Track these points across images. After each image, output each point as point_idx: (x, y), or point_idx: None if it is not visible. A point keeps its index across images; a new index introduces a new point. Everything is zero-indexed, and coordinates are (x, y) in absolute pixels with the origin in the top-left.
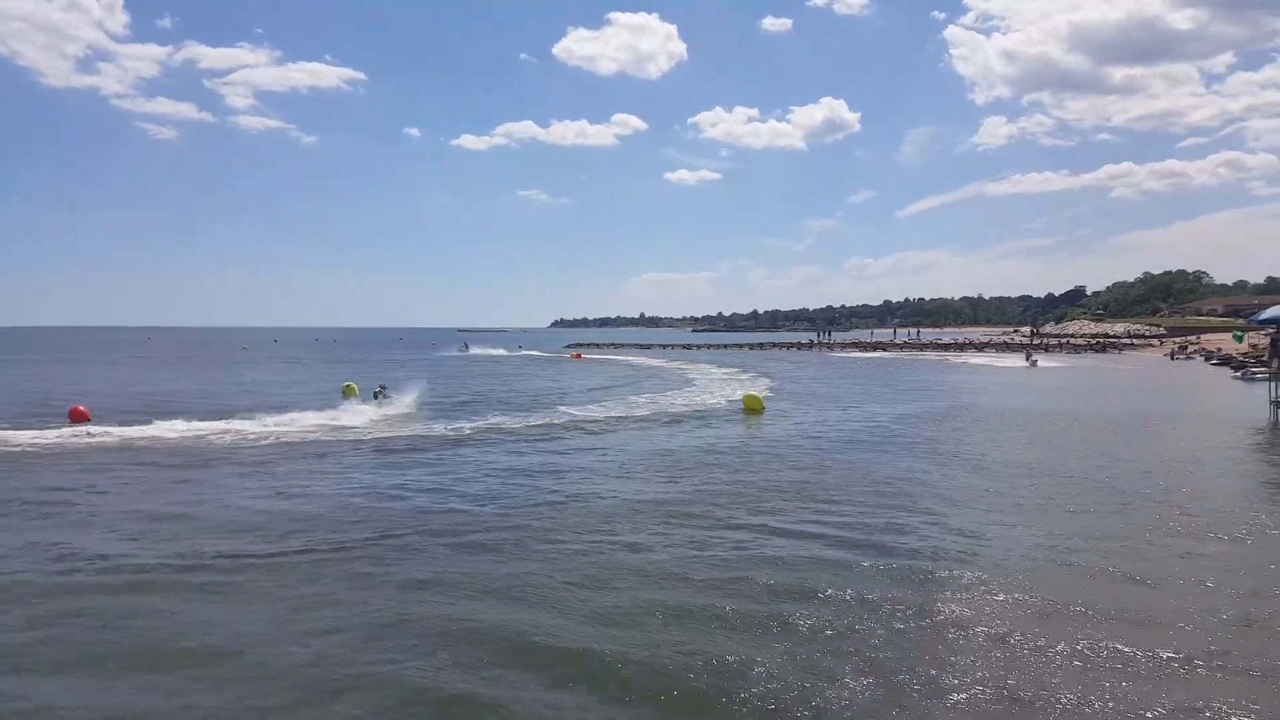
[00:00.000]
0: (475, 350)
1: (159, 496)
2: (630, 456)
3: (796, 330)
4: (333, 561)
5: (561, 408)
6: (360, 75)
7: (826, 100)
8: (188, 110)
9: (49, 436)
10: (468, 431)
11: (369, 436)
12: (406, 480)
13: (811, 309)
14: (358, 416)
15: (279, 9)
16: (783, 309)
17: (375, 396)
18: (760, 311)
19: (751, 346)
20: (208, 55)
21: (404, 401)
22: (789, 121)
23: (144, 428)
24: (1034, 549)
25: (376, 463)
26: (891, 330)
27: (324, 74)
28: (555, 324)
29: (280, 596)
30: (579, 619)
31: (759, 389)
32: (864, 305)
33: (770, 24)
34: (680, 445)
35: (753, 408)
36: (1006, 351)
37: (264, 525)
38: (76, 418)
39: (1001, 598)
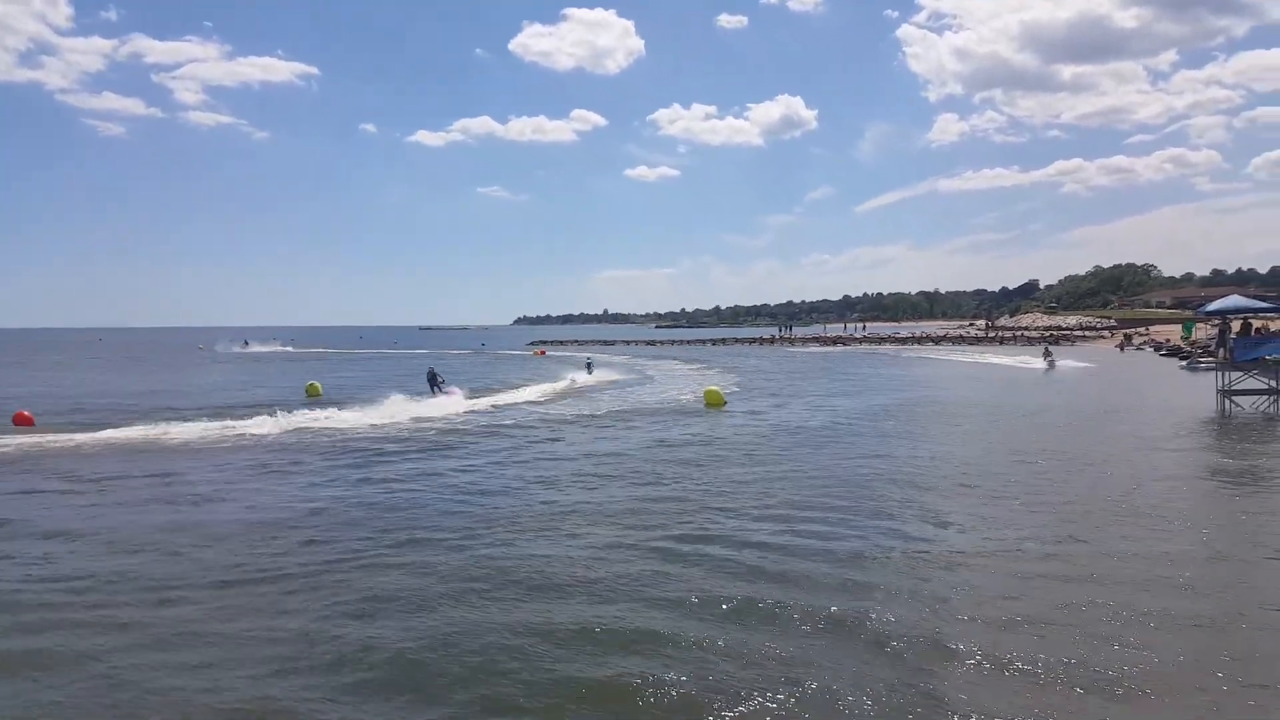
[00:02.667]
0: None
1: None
2: (591, 453)
3: (758, 325)
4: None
5: (525, 403)
6: (313, 70)
7: (783, 98)
8: (135, 106)
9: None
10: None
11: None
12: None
13: (772, 304)
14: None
15: (227, 2)
16: (744, 304)
17: (432, 385)
18: (722, 307)
19: (714, 342)
20: (155, 49)
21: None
22: (747, 119)
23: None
24: (985, 545)
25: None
26: (845, 325)
27: (276, 68)
28: (518, 321)
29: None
30: (519, 633)
31: (722, 384)
32: (824, 300)
33: (726, 21)
34: (641, 441)
35: (715, 403)
36: (983, 346)
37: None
38: (20, 422)
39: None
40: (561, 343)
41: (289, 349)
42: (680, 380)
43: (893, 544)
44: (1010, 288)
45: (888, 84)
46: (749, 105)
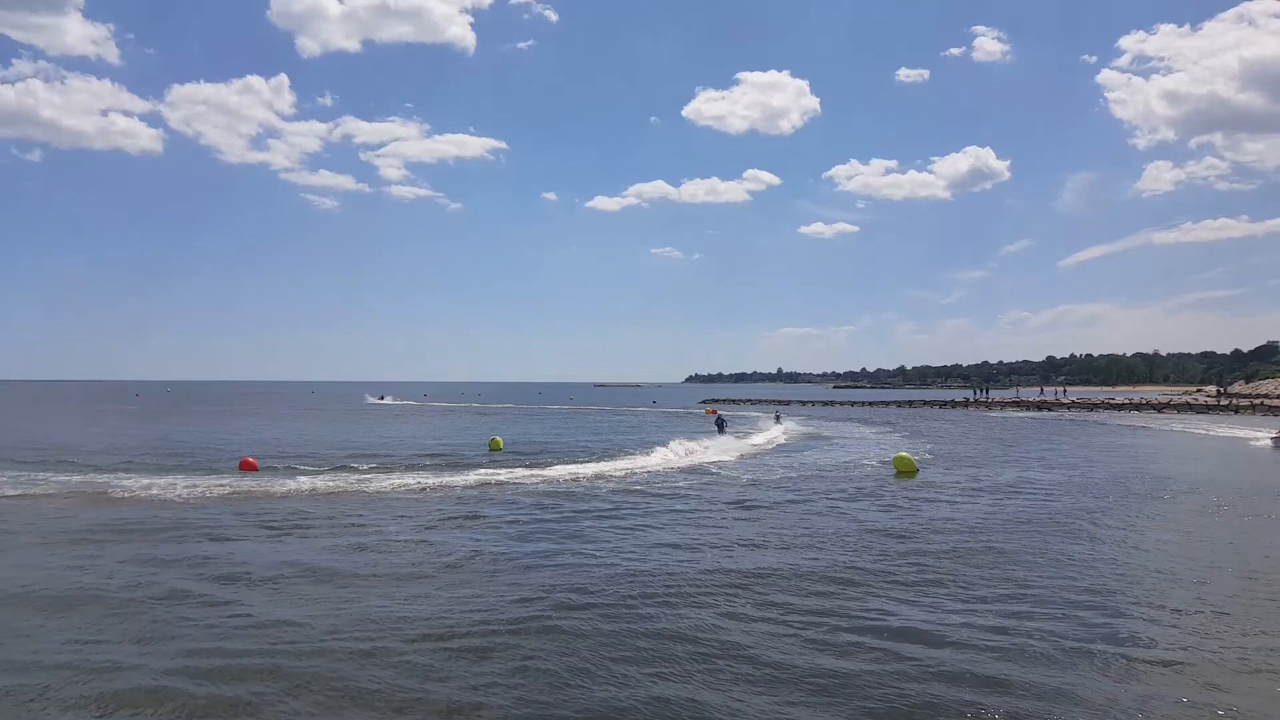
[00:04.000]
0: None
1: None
2: (766, 516)
3: (950, 388)
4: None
5: (698, 461)
6: (501, 144)
7: (971, 149)
8: (347, 182)
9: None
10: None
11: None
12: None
13: (965, 365)
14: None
15: (427, 85)
16: (932, 365)
17: (718, 426)
18: (908, 367)
19: (900, 404)
20: (363, 129)
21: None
22: (931, 172)
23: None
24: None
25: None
26: (1040, 389)
27: (468, 144)
28: (690, 379)
29: None
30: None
31: (912, 450)
32: (1024, 361)
33: (905, 75)
34: (819, 507)
35: (906, 470)
36: (1214, 414)
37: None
38: (245, 468)
39: None
40: (734, 401)
41: (431, 402)
42: (863, 444)
43: (1122, 650)
44: (1244, 350)
45: (1088, 132)
46: (933, 158)
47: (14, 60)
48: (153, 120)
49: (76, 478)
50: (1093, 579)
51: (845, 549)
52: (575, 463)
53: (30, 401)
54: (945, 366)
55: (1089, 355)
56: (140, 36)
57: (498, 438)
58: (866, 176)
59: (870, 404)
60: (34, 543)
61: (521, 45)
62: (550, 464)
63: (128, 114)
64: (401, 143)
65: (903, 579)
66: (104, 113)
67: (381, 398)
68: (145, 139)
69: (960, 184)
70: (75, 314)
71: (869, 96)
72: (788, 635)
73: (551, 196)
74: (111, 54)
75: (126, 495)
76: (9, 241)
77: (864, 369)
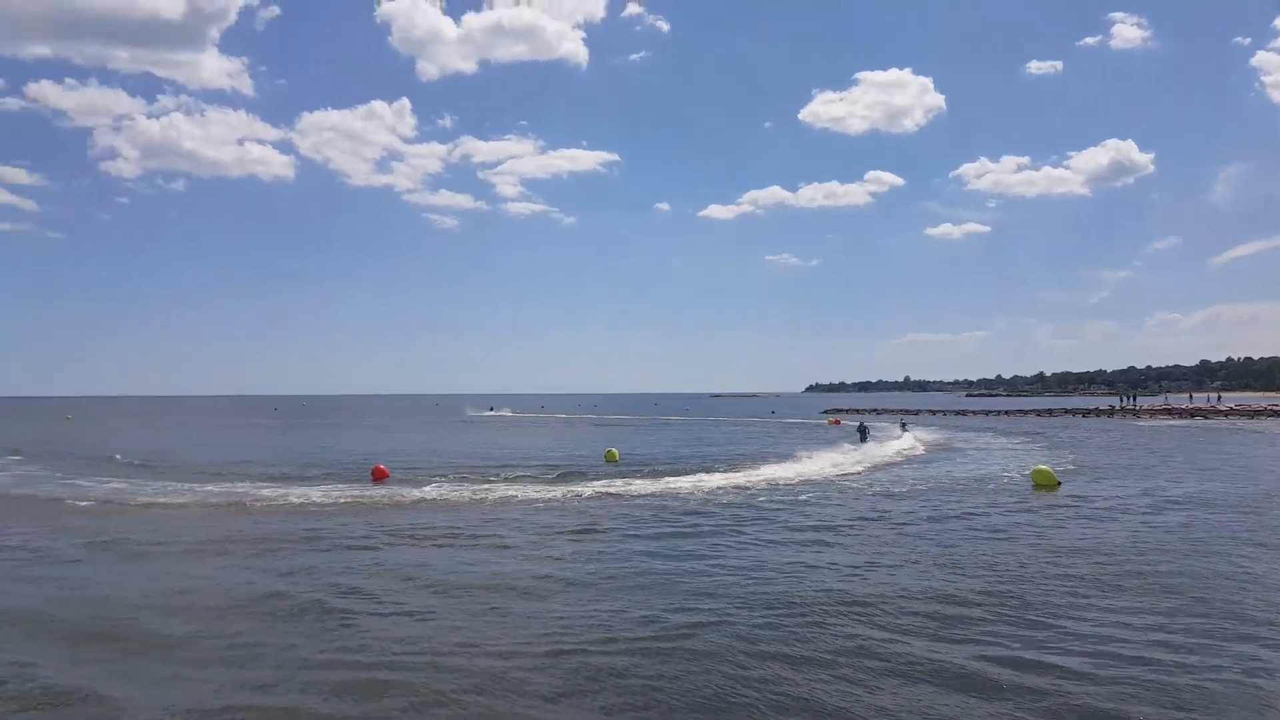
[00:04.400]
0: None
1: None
2: (896, 531)
3: (1093, 394)
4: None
5: (822, 476)
6: (615, 157)
7: (1111, 142)
8: (465, 200)
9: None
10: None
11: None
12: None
13: (1109, 370)
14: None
15: (540, 102)
16: (1074, 370)
17: (861, 434)
18: (1047, 374)
19: (1039, 413)
20: (481, 149)
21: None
22: (1067, 167)
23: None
24: None
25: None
26: (1190, 395)
27: (582, 158)
28: (810, 388)
29: None
30: None
31: (1052, 461)
32: (1175, 366)
33: (1037, 67)
34: (947, 523)
35: (1045, 483)
36: None
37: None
38: (378, 476)
39: None
40: (859, 411)
41: (549, 414)
42: (998, 455)
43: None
44: None
45: (1242, 120)
46: (1069, 153)
47: (159, 96)
48: (284, 147)
49: (222, 487)
50: (1258, 607)
51: (980, 567)
52: (693, 474)
53: (183, 415)
54: (1088, 372)
55: (1248, 359)
56: (271, 68)
57: (614, 449)
58: (997, 174)
59: (1006, 413)
60: (179, 551)
61: (634, 57)
62: (667, 476)
63: (261, 142)
64: (517, 160)
65: (1042, 601)
66: (240, 142)
67: (490, 409)
68: (278, 165)
69: (1100, 179)
70: (218, 332)
71: (997, 92)
72: (921, 662)
73: (665, 207)
74: (245, 86)
75: (264, 505)
76: (158, 268)
77: (999, 376)
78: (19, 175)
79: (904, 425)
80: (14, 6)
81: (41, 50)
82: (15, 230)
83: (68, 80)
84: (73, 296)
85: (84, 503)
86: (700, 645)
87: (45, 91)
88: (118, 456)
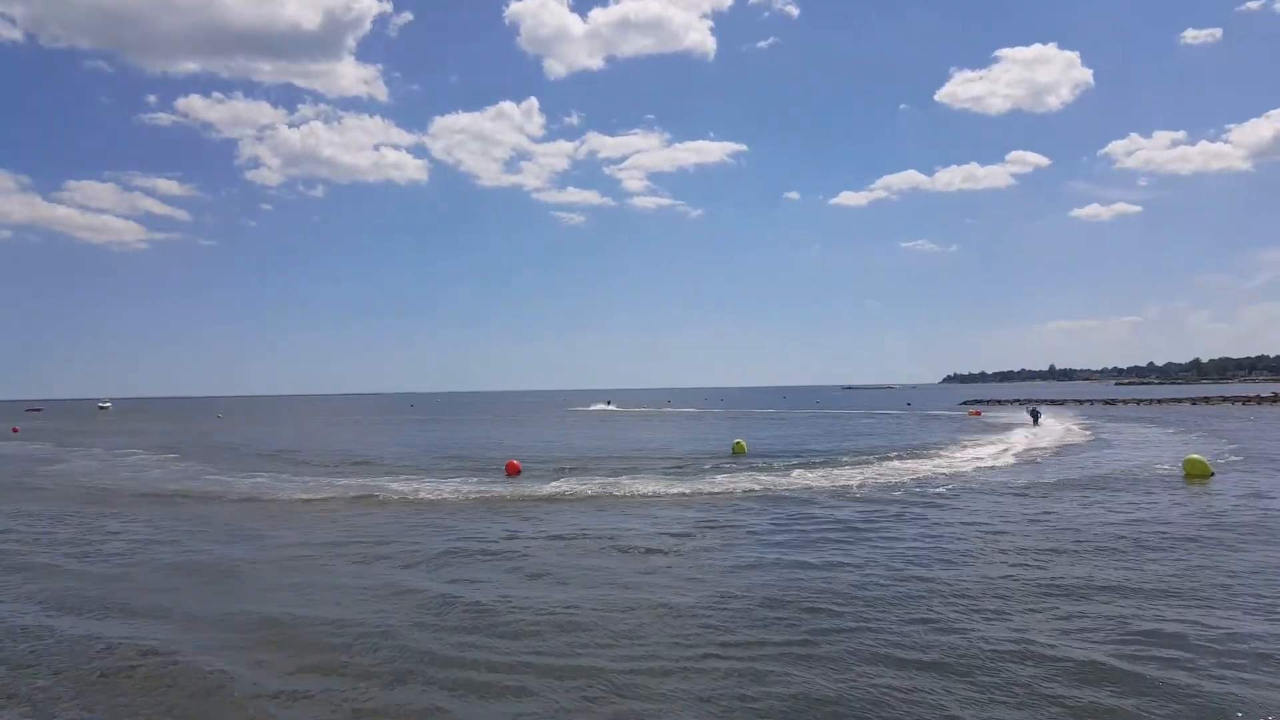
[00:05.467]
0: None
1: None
2: (1040, 526)
3: (1253, 381)
4: None
5: (968, 469)
6: (742, 147)
7: (1276, 113)
8: (592, 196)
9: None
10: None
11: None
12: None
13: (1272, 356)
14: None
15: (667, 95)
16: (1233, 357)
17: (1033, 417)
18: (1203, 360)
19: (1194, 401)
20: (607, 144)
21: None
22: (1226, 141)
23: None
24: None
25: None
26: None
27: (709, 150)
28: (947, 379)
29: None
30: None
31: (1208, 452)
32: None
33: (1193, 36)
34: (1095, 515)
35: (1198, 473)
36: None
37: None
38: (511, 470)
39: None
40: (1000, 402)
41: (676, 408)
42: (1149, 447)
43: None
44: None
45: None
46: (1228, 126)
47: (299, 105)
48: (418, 151)
49: (362, 480)
50: None
51: (1125, 560)
52: (825, 467)
53: (329, 413)
54: (1249, 358)
55: None
56: (405, 74)
57: (741, 441)
58: (1149, 151)
59: (1159, 401)
60: (324, 542)
61: (762, 44)
62: (797, 468)
63: (396, 147)
64: (642, 154)
65: (1196, 597)
66: (376, 147)
67: (608, 403)
68: (412, 169)
69: (1264, 152)
70: (357, 333)
71: (1150, 63)
72: (1073, 667)
73: (794, 196)
74: (380, 92)
75: (397, 497)
76: (300, 272)
77: (1150, 363)
78: (171, 187)
79: (1035, 414)
80: (165, 26)
81: (191, 66)
82: (169, 240)
83: (215, 94)
84: (223, 304)
85: (230, 500)
86: (839, 652)
87: (194, 105)
88: (263, 451)
